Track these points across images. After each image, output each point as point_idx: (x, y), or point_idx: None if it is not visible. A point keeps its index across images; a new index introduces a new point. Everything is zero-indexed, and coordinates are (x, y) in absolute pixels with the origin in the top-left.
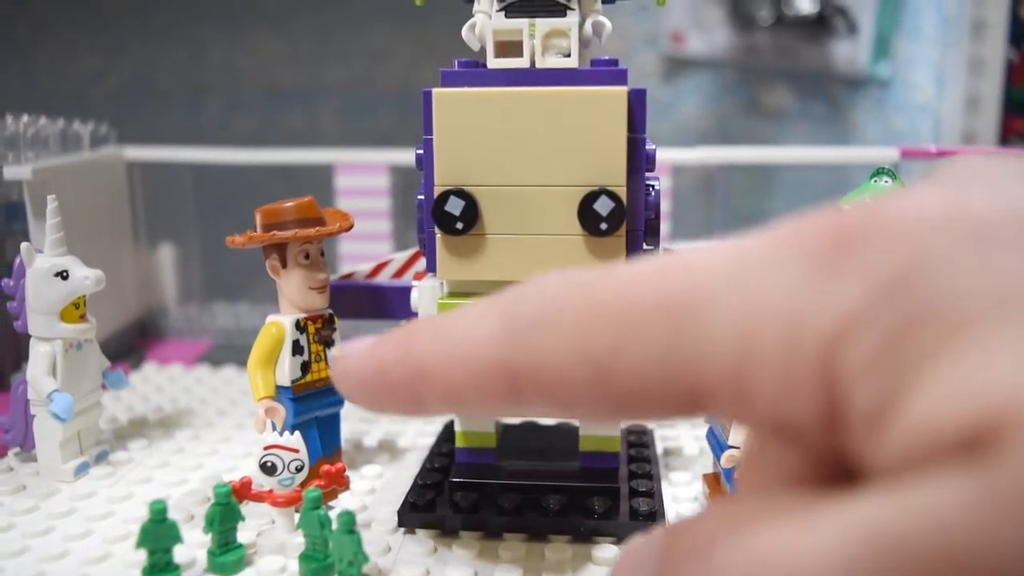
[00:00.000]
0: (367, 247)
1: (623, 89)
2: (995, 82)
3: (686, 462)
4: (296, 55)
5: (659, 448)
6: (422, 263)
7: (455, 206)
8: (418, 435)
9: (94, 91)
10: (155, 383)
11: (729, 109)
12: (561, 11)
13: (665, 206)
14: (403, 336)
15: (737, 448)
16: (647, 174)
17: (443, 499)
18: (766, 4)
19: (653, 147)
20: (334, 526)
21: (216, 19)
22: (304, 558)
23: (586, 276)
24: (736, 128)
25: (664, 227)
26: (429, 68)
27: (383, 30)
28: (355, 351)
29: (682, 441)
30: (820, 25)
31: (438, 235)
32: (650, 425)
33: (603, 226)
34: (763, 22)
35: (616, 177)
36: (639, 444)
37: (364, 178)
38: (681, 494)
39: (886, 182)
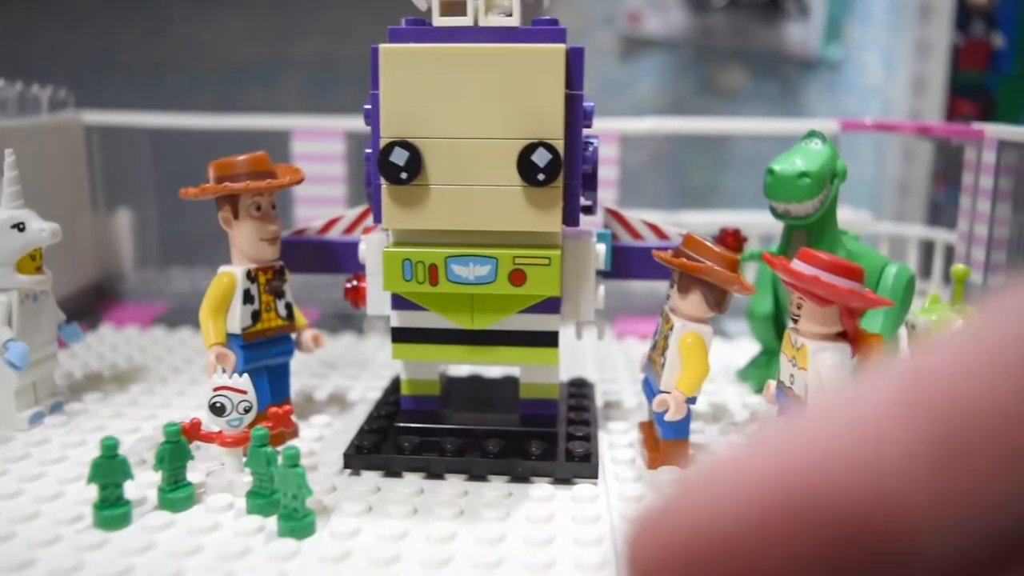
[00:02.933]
0: (323, 211)
1: (561, 47)
2: (941, 65)
3: (624, 413)
4: (257, 31)
5: (600, 401)
6: (371, 219)
7: (399, 157)
8: (368, 389)
9: (53, 64)
10: (111, 343)
11: (684, 88)
12: None
13: (614, 173)
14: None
15: (667, 392)
16: (585, 131)
17: (388, 443)
18: None
19: (591, 104)
20: (280, 463)
21: None
22: (251, 495)
23: None
24: (691, 107)
25: (613, 194)
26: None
27: (343, 7)
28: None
29: (623, 395)
30: (773, 7)
31: (383, 185)
32: (592, 378)
33: (540, 177)
34: (718, 3)
35: (554, 130)
36: (580, 395)
37: (321, 143)
38: (617, 441)
39: (816, 143)
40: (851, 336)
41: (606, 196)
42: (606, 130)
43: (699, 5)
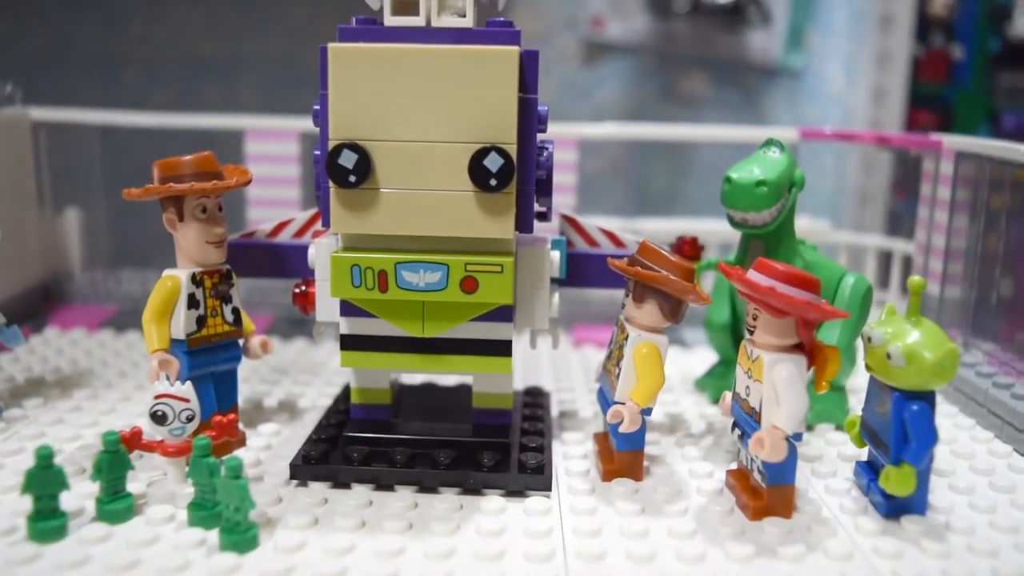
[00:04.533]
0: (276, 213)
1: (515, 49)
2: (901, 75)
3: (580, 423)
4: (216, 28)
5: (556, 410)
6: (322, 223)
7: (348, 159)
8: (319, 396)
9: (6, 59)
10: (56, 346)
11: (646, 94)
12: None
13: (573, 179)
14: None
15: (622, 404)
16: (539, 135)
17: (336, 453)
18: None
19: (545, 108)
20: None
21: None
22: (193, 506)
23: None
24: (653, 112)
25: (571, 200)
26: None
27: (304, 5)
28: None
29: (578, 405)
30: (735, 15)
31: (332, 189)
32: (547, 387)
33: (493, 182)
34: (680, 9)
35: (507, 135)
36: (534, 405)
37: (274, 144)
38: (572, 452)
39: (774, 152)
40: (807, 348)
41: (564, 202)
42: (564, 135)
43: (662, 11)
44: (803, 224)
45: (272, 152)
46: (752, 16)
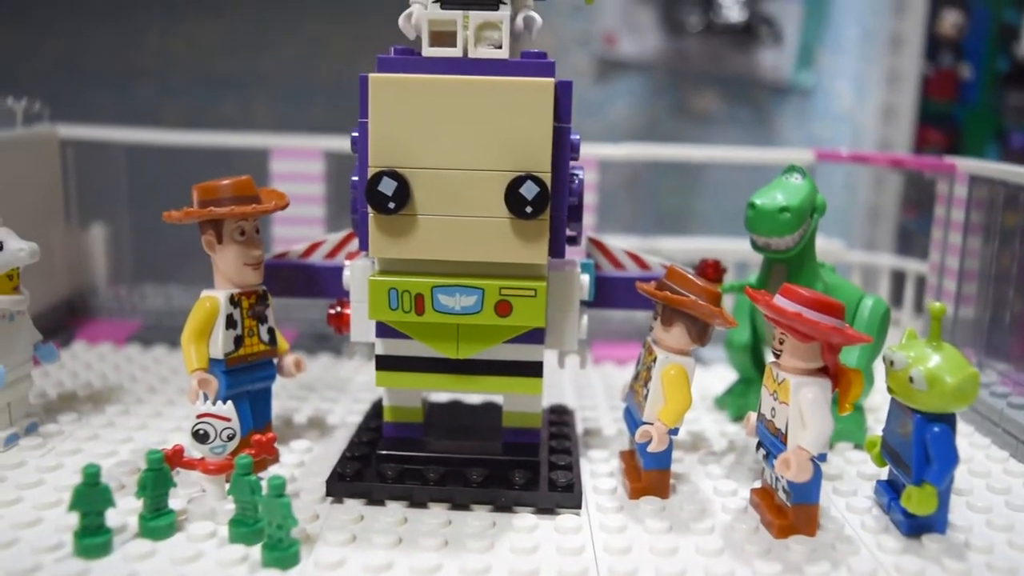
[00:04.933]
0: (301, 231)
1: (550, 80)
2: (910, 94)
3: (604, 441)
4: (232, 43)
5: (580, 428)
6: (354, 244)
7: (388, 187)
8: (347, 413)
9: (21, 70)
10: (84, 360)
11: (658, 110)
12: (494, 4)
13: (593, 199)
14: None
15: (650, 424)
16: (571, 162)
17: (370, 471)
18: (696, 11)
19: (577, 136)
20: (264, 492)
21: (151, 2)
22: (234, 523)
23: None
24: (665, 129)
25: (591, 219)
26: (364, 60)
27: (320, 20)
28: None
29: (602, 423)
30: (747, 33)
31: (371, 214)
32: (571, 406)
33: (528, 209)
34: (692, 28)
35: (541, 164)
36: (560, 423)
37: (299, 163)
38: (598, 469)
39: (796, 178)
40: (832, 371)
41: (585, 221)
42: (584, 156)
43: (674, 29)
44: (818, 244)
45: (297, 171)
46: (763, 35)
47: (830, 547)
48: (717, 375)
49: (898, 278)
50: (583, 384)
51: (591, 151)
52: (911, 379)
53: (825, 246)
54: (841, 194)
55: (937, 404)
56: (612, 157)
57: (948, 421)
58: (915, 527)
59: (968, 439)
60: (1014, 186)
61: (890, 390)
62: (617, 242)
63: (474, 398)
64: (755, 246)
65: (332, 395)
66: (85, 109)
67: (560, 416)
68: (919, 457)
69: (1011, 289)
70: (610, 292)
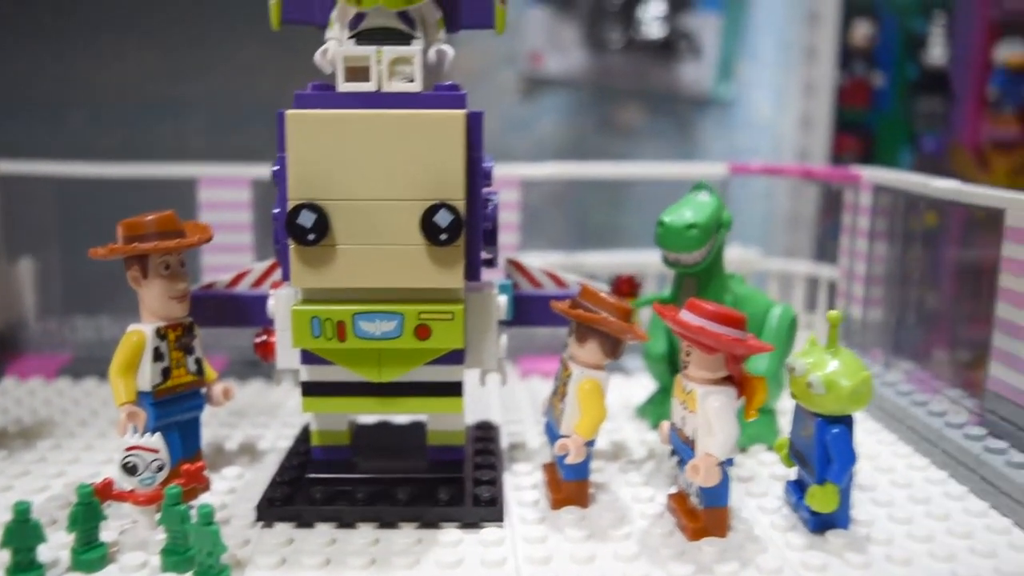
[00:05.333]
0: (230, 259)
1: (460, 112)
2: (826, 103)
3: (528, 454)
4: (164, 69)
5: (505, 442)
6: (279, 273)
7: (307, 219)
8: (278, 438)
9: None
10: (14, 396)
11: (585, 126)
12: (407, 40)
13: (515, 218)
14: None
15: (567, 437)
16: (485, 189)
17: (300, 494)
18: (618, 28)
19: (490, 164)
20: (194, 520)
21: (80, 29)
22: (166, 552)
23: None
24: (591, 144)
25: (514, 238)
26: (297, 85)
27: (252, 46)
28: None
29: (527, 436)
30: (667, 49)
31: (292, 246)
32: (497, 421)
33: (443, 237)
34: (614, 45)
35: (455, 192)
36: (485, 439)
37: (227, 191)
38: (522, 482)
39: (703, 195)
40: (737, 380)
41: (508, 240)
42: (506, 176)
43: (597, 46)
44: (734, 254)
45: (225, 199)
46: (683, 50)
47: (740, 547)
48: (639, 384)
49: (813, 284)
50: (510, 399)
51: (513, 171)
52: (810, 384)
53: (742, 255)
54: (761, 203)
55: (834, 407)
56: (534, 177)
57: (846, 423)
58: (820, 524)
59: (875, 436)
60: (913, 195)
61: (792, 395)
62: (542, 260)
63: (401, 418)
64: (666, 261)
65: (263, 420)
66: (14, 140)
67: (485, 432)
68: (821, 457)
69: (912, 291)
70: (528, 311)
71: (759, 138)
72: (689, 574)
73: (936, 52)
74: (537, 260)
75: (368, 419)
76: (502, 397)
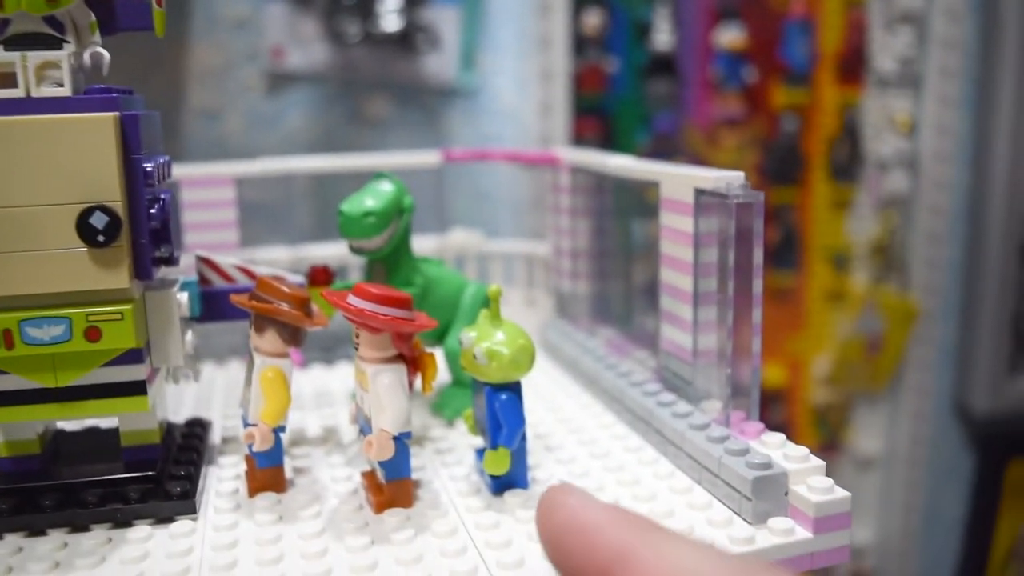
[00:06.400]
0: None
1: (111, 115)
2: (562, 89)
3: (238, 447)
4: None
5: (218, 437)
6: None
7: None
8: None
9: None
10: None
11: (333, 119)
12: (57, 44)
13: (231, 215)
14: (626, 521)
15: (254, 426)
16: (152, 188)
17: None
18: (355, 21)
19: (150, 165)
20: None
21: None
22: None
23: None
24: (341, 137)
25: (232, 235)
26: None
27: None
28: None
29: (240, 430)
30: (405, 41)
31: None
32: (214, 417)
33: (100, 238)
34: (352, 39)
35: (111, 194)
36: (191, 435)
37: None
38: (225, 474)
39: (384, 184)
40: (408, 357)
41: (226, 237)
42: (216, 174)
43: (337, 39)
44: (458, 237)
45: None
46: (420, 42)
47: (421, 515)
48: None
49: (530, 262)
50: (234, 396)
51: (224, 169)
52: (475, 356)
53: (465, 239)
54: (508, 187)
55: (498, 375)
56: (248, 174)
57: (514, 389)
58: (500, 485)
59: (576, 400)
60: (598, 173)
61: (463, 368)
62: (268, 255)
63: (107, 422)
64: (351, 249)
65: None
66: None
67: (192, 429)
68: (493, 424)
69: (611, 263)
70: (219, 306)
71: (505, 125)
72: (365, 544)
73: (662, 38)
74: (266, 255)
75: (73, 426)
76: (228, 393)
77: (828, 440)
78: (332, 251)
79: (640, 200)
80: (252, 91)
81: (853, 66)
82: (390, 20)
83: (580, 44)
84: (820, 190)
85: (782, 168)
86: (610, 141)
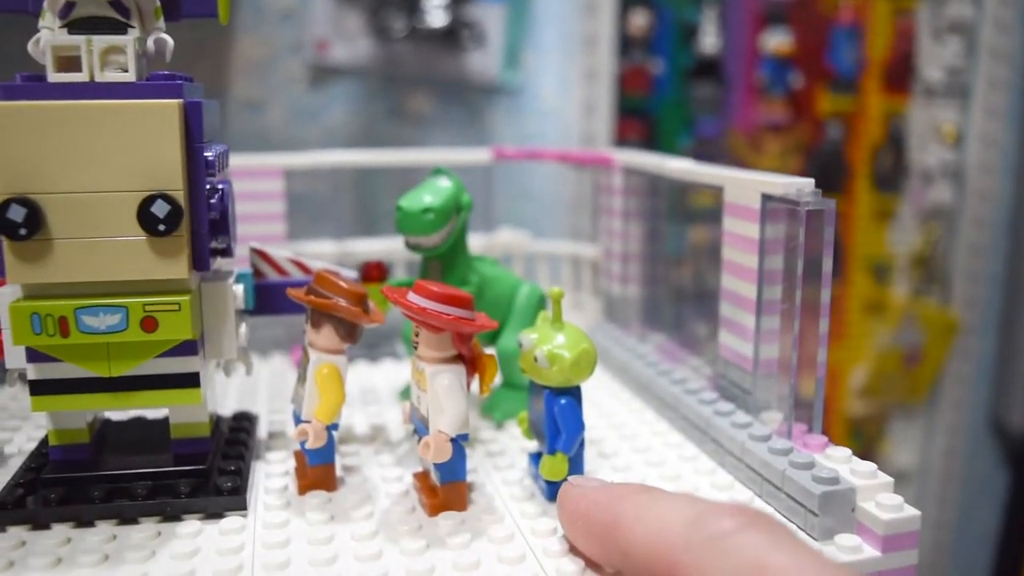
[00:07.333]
0: None
1: (175, 102)
2: (606, 89)
3: (286, 442)
4: None
5: (264, 432)
6: None
7: (17, 213)
8: (27, 440)
9: None
10: None
11: (375, 114)
12: (122, 29)
13: (279, 207)
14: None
15: (307, 422)
16: (212, 178)
17: (35, 496)
18: (401, 16)
19: (212, 154)
20: None
21: None
22: None
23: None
24: (383, 132)
25: (280, 227)
26: (10, 76)
27: None
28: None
29: (288, 425)
30: (450, 37)
31: (5, 242)
32: (260, 411)
33: (161, 227)
34: (398, 34)
35: (173, 182)
36: (239, 429)
37: None
38: (273, 470)
39: (443, 181)
40: (467, 358)
41: (273, 230)
42: (265, 165)
43: (382, 34)
44: (505, 236)
45: None
46: (465, 38)
47: (476, 519)
48: (408, 369)
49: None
50: (277, 389)
51: (274, 161)
52: (536, 359)
53: (512, 239)
54: (555, 187)
55: (559, 379)
56: (297, 165)
57: (573, 394)
58: (554, 491)
59: (627, 405)
60: (654, 175)
61: (522, 370)
62: (315, 248)
63: (155, 412)
64: (408, 245)
65: (14, 424)
66: None
67: (240, 423)
68: (551, 428)
69: (662, 267)
70: (273, 299)
71: (547, 124)
72: (421, 548)
73: (709, 41)
74: (312, 248)
75: (120, 416)
76: (271, 387)
77: (862, 452)
78: (378, 247)
79: (682, 205)
80: (295, 84)
81: (900, 74)
82: (436, 16)
83: (625, 45)
84: (863, 199)
85: (825, 176)
86: (653, 143)
